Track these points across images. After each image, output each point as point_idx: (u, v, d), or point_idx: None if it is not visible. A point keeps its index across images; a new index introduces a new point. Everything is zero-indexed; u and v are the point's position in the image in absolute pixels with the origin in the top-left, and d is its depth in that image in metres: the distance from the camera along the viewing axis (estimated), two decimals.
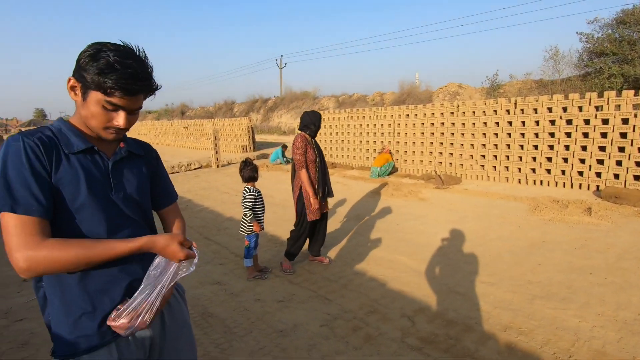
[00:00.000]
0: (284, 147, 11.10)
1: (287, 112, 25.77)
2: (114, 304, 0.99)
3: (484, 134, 7.04)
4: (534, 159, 6.42)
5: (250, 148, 14.23)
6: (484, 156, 7.09)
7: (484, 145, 7.07)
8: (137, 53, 0.95)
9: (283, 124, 25.11)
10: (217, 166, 10.74)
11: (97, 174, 0.98)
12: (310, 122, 3.45)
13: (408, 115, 8.35)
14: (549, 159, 6.25)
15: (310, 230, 3.49)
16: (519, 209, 5.12)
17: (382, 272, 3.39)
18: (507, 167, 6.79)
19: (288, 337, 2.44)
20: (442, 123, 7.70)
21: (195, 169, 10.73)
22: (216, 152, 10.79)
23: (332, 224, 4.87)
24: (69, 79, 0.95)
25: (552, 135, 6.20)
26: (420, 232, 4.43)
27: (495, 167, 6.94)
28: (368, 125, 9.24)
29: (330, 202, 6.02)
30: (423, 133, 8.05)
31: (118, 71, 0.89)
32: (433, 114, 7.86)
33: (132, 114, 0.99)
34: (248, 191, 3.28)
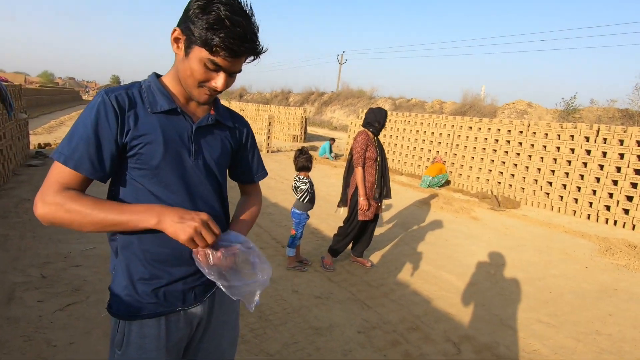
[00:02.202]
0: (332, 141, 11.02)
1: (340, 108, 25.67)
2: (172, 279, 0.95)
3: (555, 159, 6.44)
4: (611, 195, 5.74)
5: (301, 138, 14.34)
6: (550, 183, 6.49)
7: (552, 171, 6.46)
8: (246, 10, 0.87)
9: (335, 119, 25.06)
10: (267, 151, 10.93)
11: (177, 137, 0.93)
12: (375, 120, 3.32)
13: (471, 127, 7.87)
14: (629, 199, 5.56)
15: (358, 230, 3.37)
16: (587, 248, 4.60)
17: (426, 287, 3.19)
18: (576, 200, 6.15)
19: (323, 336, 2.35)
20: (508, 141, 7.15)
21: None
22: (268, 137, 10.97)
23: (376, 229, 4.70)
24: (174, 30, 0.90)
25: (637, 172, 5.51)
26: (471, 252, 4.13)
27: (562, 197, 6.32)
28: (425, 132, 8.86)
29: None
30: (484, 149, 7.55)
31: (227, 29, 0.82)
32: (499, 130, 7.34)
33: (231, 77, 0.92)
34: (299, 180, 3.23)
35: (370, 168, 3.24)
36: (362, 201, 3.18)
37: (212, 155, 0.99)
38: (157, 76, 0.98)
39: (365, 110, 11.05)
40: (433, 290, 3.15)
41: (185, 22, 0.87)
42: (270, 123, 10.95)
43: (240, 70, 0.92)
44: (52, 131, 11.97)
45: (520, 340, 2.49)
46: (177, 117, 0.94)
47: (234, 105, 20.06)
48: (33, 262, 2.96)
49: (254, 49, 0.89)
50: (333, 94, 28.52)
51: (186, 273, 0.97)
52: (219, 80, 0.89)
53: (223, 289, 0.88)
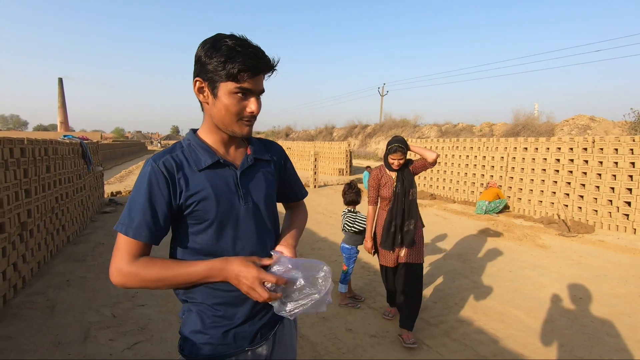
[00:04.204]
0: (368, 168, 10.95)
1: (384, 139, 25.65)
2: (240, 320, 1.00)
3: (631, 176, 5.78)
4: None
5: (346, 172, 14.43)
6: (629, 203, 5.79)
7: (629, 190, 5.79)
8: (242, 37, 0.95)
9: (380, 150, 25.02)
10: (315, 186, 11.11)
11: (226, 187, 0.98)
12: (386, 153, 2.80)
13: (526, 148, 7.40)
14: None
15: (386, 279, 2.97)
16: None
17: (492, 325, 2.92)
18: None
19: None
20: (571, 160, 6.60)
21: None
22: (315, 172, 11.20)
23: (430, 260, 4.47)
24: (195, 81, 0.96)
25: None
26: (540, 285, 3.74)
27: None
28: (476, 157, 8.49)
29: (429, 235, 5.60)
30: (544, 170, 7.01)
31: (241, 53, 0.89)
32: (559, 148, 6.82)
33: (259, 98, 0.98)
34: (346, 213, 3.22)
35: (384, 208, 2.82)
36: (366, 243, 2.91)
37: (259, 193, 1.04)
38: (194, 131, 1.06)
39: (409, 139, 10.93)
40: (500, 328, 2.87)
41: (202, 69, 0.94)
42: (315, 159, 11.21)
43: (263, 90, 0.98)
44: (122, 180, 13.31)
45: None
46: (221, 167, 1.00)
47: (281, 144, 20.90)
48: (105, 302, 3.21)
49: (269, 63, 0.95)
50: (376, 125, 28.70)
51: (252, 313, 1.01)
52: (252, 104, 0.95)
53: (293, 314, 0.91)
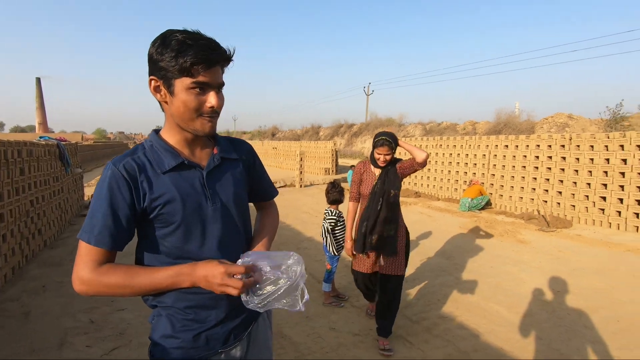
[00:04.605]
0: (353, 167, 11.01)
1: (370, 138, 25.79)
2: (212, 323, 0.98)
3: (606, 172, 5.97)
4: None
5: (332, 171, 14.45)
6: (604, 198, 5.98)
7: (604, 185, 5.98)
8: (193, 30, 0.92)
9: (366, 149, 25.15)
10: (300, 186, 11.08)
11: (192, 188, 0.95)
12: (372, 148, 2.60)
13: (507, 146, 7.56)
14: None
15: (362, 285, 2.75)
16: None
17: (473, 320, 2.96)
18: (637, 214, 5.59)
19: None
20: (550, 157, 6.77)
21: (279, 187, 11.24)
22: (300, 172, 11.17)
23: (415, 258, 4.51)
24: (150, 80, 0.92)
25: None
26: (521, 280, 3.82)
27: (619, 212, 5.78)
28: (459, 154, 8.63)
29: (413, 233, 5.64)
30: (525, 167, 7.17)
31: (192, 46, 0.87)
32: (538, 145, 6.98)
33: (219, 92, 0.95)
34: (330, 213, 3.22)
35: (362, 208, 2.61)
36: (346, 244, 2.70)
37: (228, 193, 1.02)
38: (157, 132, 1.02)
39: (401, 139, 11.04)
40: (481, 323, 2.92)
41: (154, 67, 0.90)
42: (301, 158, 11.18)
43: (223, 83, 0.95)
44: None
45: None
46: (186, 169, 0.97)
47: (267, 144, 20.81)
48: (83, 307, 3.12)
49: (224, 53, 0.92)
50: (362, 124, 28.83)
51: (224, 314, 0.99)
52: (211, 99, 0.91)
53: (264, 305, 0.88)
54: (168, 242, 0.94)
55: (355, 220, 2.67)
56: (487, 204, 7.66)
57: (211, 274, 0.87)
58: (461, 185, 8.50)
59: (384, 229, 2.45)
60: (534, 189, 7.00)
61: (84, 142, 25.04)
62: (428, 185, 9.50)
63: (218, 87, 0.94)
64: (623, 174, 5.76)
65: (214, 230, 0.97)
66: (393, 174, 2.50)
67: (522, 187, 7.20)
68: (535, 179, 6.99)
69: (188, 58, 0.86)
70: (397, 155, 2.72)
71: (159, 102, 0.96)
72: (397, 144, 2.49)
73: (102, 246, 0.89)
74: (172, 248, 0.94)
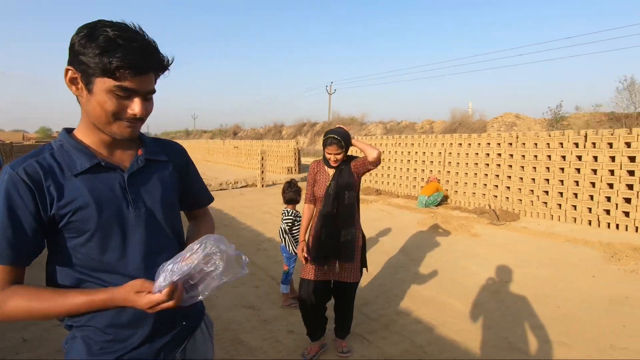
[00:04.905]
0: None
1: None
2: (136, 342, 0.88)
3: (548, 167, 6.41)
4: (608, 198, 5.67)
5: (295, 170, 14.38)
6: (546, 192, 6.43)
7: (547, 180, 6.42)
8: (135, 28, 0.81)
9: None
10: (262, 186, 10.90)
11: (110, 192, 0.85)
12: (323, 144, 2.38)
13: (461, 144, 7.90)
14: (627, 200, 5.48)
15: (309, 304, 2.34)
16: (592, 256, 4.46)
17: (429, 314, 3.04)
18: (574, 206, 6.07)
19: None
20: (499, 154, 7.16)
21: (241, 187, 10.98)
22: (262, 172, 10.99)
23: (375, 255, 4.58)
24: (67, 70, 0.81)
25: (631, 173, 5.47)
26: (473, 273, 3.99)
27: (560, 204, 6.24)
28: (417, 152, 8.90)
29: (373, 231, 5.74)
30: (477, 164, 7.54)
31: (122, 47, 0.76)
32: (489, 144, 7.37)
33: (147, 99, 0.85)
34: (287, 213, 3.16)
35: (318, 212, 2.39)
36: (299, 247, 2.39)
37: (154, 197, 0.92)
38: (69, 131, 0.90)
39: (357, 137, 11.18)
40: (436, 316, 3.00)
41: (74, 59, 0.79)
42: (263, 158, 11.00)
43: (154, 90, 0.85)
44: None
45: None
46: (104, 171, 0.86)
47: (229, 143, 20.29)
48: (13, 326, 2.82)
49: (159, 61, 0.83)
50: (325, 123, 29.00)
51: (152, 331, 0.89)
52: (135, 106, 0.82)
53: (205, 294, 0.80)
54: (82, 253, 0.84)
55: (311, 224, 2.45)
56: (444, 200, 7.97)
57: (132, 304, 0.79)
58: (419, 182, 8.78)
59: (340, 233, 2.28)
60: (486, 184, 7.38)
61: (25, 142, 23.01)
62: (388, 182, 9.72)
63: (147, 94, 0.84)
64: (562, 169, 6.22)
65: (136, 238, 0.88)
66: (347, 174, 2.35)
67: (475, 183, 7.57)
68: (486, 175, 7.37)
69: (114, 60, 0.75)
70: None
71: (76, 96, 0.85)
72: (348, 142, 2.31)
73: (3, 262, 0.77)
74: (88, 260, 0.84)
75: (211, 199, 1.18)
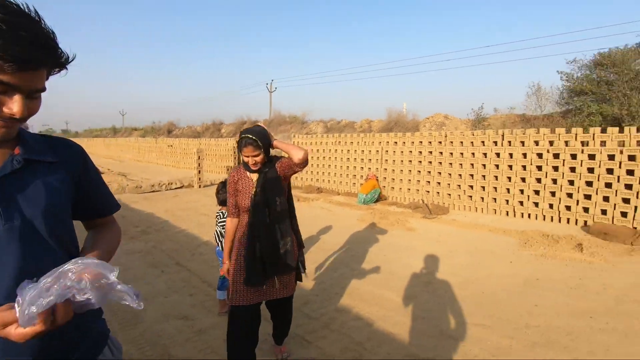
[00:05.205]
0: None
1: (274, 135, 25.71)
2: None
3: (472, 164, 6.99)
4: (522, 191, 6.35)
5: None
6: (471, 187, 7.00)
7: (471, 175, 7.00)
8: (29, 12, 0.67)
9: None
10: (199, 186, 10.37)
11: None
12: (238, 146, 2.12)
13: (396, 142, 8.28)
14: (537, 192, 6.19)
15: (243, 333, 2.07)
16: (509, 243, 4.95)
17: (368, 309, 3.09)
18: (494, 199, 6.69)
19: None
20: (430, 152, 7.64)
21: (176, 188, 10.32)
22: (199, 171, 10.45)
23: (315, 253, 4.57)
24: None
25: (539, 168, 6.17)
26: (408, 265, 4.17)
27: (483, 198, 6.84)
28: (356, 151, 9.13)
29: (314, 229, 5.75)
30: (411, 161, 7.96)
31: (6, 33, 0.62)
32: (421, 142, 7.82)
33: (32, 98, 0.71)
34: (221, 216, 3.00)
35: (243, 224, 2.10)
36: (223, 267, 2.21)
37: (35, 206, 0.76)
38: None
39: (297, 136, 11.13)
40: (375, 311, 3.07)
41: None
42: (199, 157, 10.46)
43: (43, 89, 0.71)
44: None
45: (460, 349, 2.49)
46: None
47: (162, 142, 18.97)
48: None
49: (52, 56, 0.69)
50: (265, 121, 28.54)
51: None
52: (14, 105, 0.67)
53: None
54: None
55: (237, 240, 2.12)
56: (382, 197, 8.28)
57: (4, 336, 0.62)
58: (359, 179, 9.02)
59: (278, 244, 2.04)
60: (419, 181, 7.83)
61: None
62: (329, 180, 9.84)
63: (32, 92, 0.69)
64: (484, 165, 6.82)
65: (7, 258, 0.71)
66: (274, 177, 2.08)
67: (410, 180, 7.98)
68: (419, 172, 7.81)
69: None
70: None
71: None
72: (266, 141, 2.05)
73: None
74: None
75: (115, 207, 1.02)
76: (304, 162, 2.05)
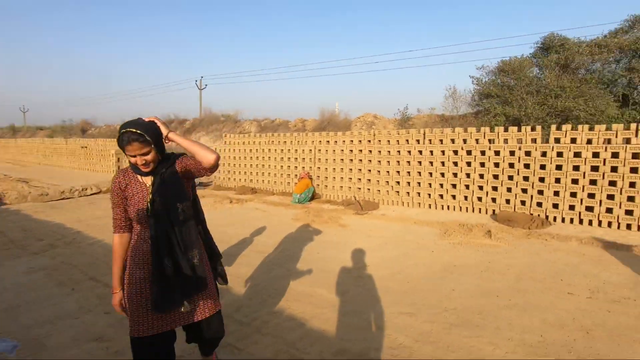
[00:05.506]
0: None
1: (206, 135, 24.60)
2: None
3: (398, 161, 7.43)
4: (441, 185, 6.93)
5: None
6: (398, 182, 7.45)
7: (398, 172, 7.44)
8: None
9: None
10: None
11: None
12: (120, 147, 1.71)
13: (328, 141, 8.46)
14: (454, 186, 6.80)
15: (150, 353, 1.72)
16: (431, 234, 5.36)
17: (301, 309, 3.11)
18: (419, 193, 7.20)
19: None
20: (361, 150, 7.95)
21: (92, 194, 9.30)
22: None
23: (249, 256, 4.47)
24: None
25: (455, 164, 6.79)
26: (341, 261, 4.29)
27: (408, 192, 7.32)
28: (290, 150, 9.13)
29: (248, 230, 5.62)
30: (343, 160, 8.20)
31: None
32: (352, 141, 8.09)
33: None
34: None
35: (141, 239, 1.73)
36: (114, 298, 1.79)
37: None
38: None
39: (229, 136, 10.73)
40: (308, 310, 3.09)
41: None
42: (119, 159, 9.56)
43: None
44: None
45: (387, 338, 2.62)
46: None
47: (74, 143, 16.94)
48: None
49: None
50: (195, 120, 27.16)
51: None
52: None
53: None
54: None
55: (130, 260, 1.75)
56: (316, 195, 8.40)
57: None
58: (293, 179, 9.03)
59: (184, 259, 1.70)
60: (351, 178, 8.10)
61: None
62: (264, 180, 9.70)
63: None
64: (409, 162, 7.30)
65: None
66: (173, 179, 1.74)
67: (342, 178, 8.22)
68: (351, 170, 8.09)
69: None
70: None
71: None
72: (157, 135, 1.68)
73: None
74: None
75: None
76: (215, 167, 1.71)
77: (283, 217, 6.68)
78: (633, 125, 5.41)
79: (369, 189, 7.84)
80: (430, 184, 7.06)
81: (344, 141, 8.21)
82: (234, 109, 30.30)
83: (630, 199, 5.27)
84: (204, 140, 24.31)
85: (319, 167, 8.60)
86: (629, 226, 5.27)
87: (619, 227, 5.33)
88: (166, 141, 1.75)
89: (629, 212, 5.29)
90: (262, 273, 3.93)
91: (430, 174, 7.04)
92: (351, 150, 8.08)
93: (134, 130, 1.61)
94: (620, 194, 5.32)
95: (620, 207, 5.33)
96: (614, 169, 5.40)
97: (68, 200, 8.57)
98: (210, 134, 24.42)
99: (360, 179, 7.97)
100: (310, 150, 8.74)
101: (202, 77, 34.82)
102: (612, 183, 5.42)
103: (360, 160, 7.94)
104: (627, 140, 5.46)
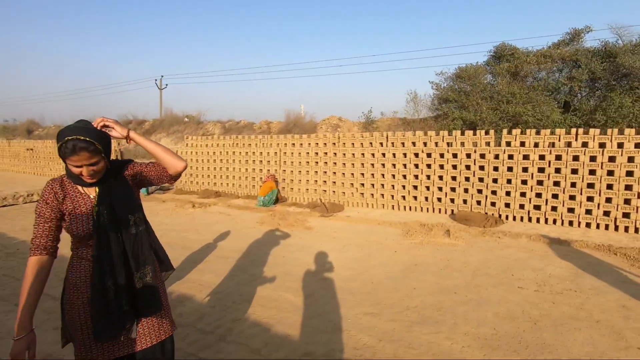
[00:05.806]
0: None
1: (167, 136, 23.68)
2: None
3: (362, 164, 7.58)
4: (404, 187, 7.15)
5: None
6: (363, 184, 7.59)
7: (362, 174, 7.58)
8: None
9: None
10: None
11: None
12: (61, 154, 1.43)
13: (294, 144, 8.46)
14: (415, 187, 7.05)
15: None
16: (394, 234, 5.51)
17: (266, 314, 3.08)
18: (382, 195, 7.38)
19: None
20: (326, 153, 8.01)
21: (38, 200, 8.62)
22: None
23: (213, 262, 4.36)
24: None
25: (416, 166, 7.04)
26: (306, 263, 4.30)
27: (372, 194, 7.48)
28: (254, 153, 9.02)
29: (212, 235, 5.48)
30: (308, 162, 8.23)
31: None
32: (317, 143, 8.14)
33: None
34: None
35: (84, 256, 1.51)
36: (12, 349, 1.36)
37: None
38: None
39: (190, 137, 10.39)
40: (273, 314, 3.07)
41: None
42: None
43: None
44: None
45: (352, 339, 2.66)
46: None
47: (19, 144, 15.64)
48: None
49: None
50: (155, 121, 26.05)
51: None
52: None
53: None
54: None
55: (69, 285, 1.52)
56: (281, 198, 8.36)
57: None
58: (258, 182, 8.93)
59: (134, 278, 1.50)
60: (316, 180, 8.15)
61: None
62: (228, 184, 9.50)
63: None
64: (373, 164, 7.47)
65: None
66: (123, 188, 1.55)
67: (308, 180, 8.24)
68: (316, 172, 8.13)
69: None
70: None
71: None
72: (106, 143, 1.48)
73: None
74: None
75: None
76: (179, 176, 1.61)
77: (248, 221, 6.58)
78: (573, 130, 5.90)
79: (334, 191, 7.92)
80: (393, 186, 7.26)
81: (309, 144, 8.25)
82: (196, 110, 29.43)
83: (572, 197, 5.74)
84: (164, 142, 23.37)
85: (285, 170, 8.56)
86: (570, 223, 5.74)
87: (562, 224, 5.79)
88: (127, 141, 1.57)
89: (570, 210, 5.76)
90: (225, 279, 3.85)
91: (393, 175, 7.25)
92: (316, 153, 8.12)
93: (83, 137, 1.38)
94: (563, 193, 5.79)
95: (563, 206, 5.79)
96: (557, 170, 5.86)
97: (11, 207, 7.90)
98: (172, 135, 23.54)
99: (325, 182, 8.03)
100: (276, 152, 8.69)
101: (162, 76, 33.38)
102: (557, 183, 5.88)
103: (326, 162, 8.01)
104: (569, 144, 5.95)
